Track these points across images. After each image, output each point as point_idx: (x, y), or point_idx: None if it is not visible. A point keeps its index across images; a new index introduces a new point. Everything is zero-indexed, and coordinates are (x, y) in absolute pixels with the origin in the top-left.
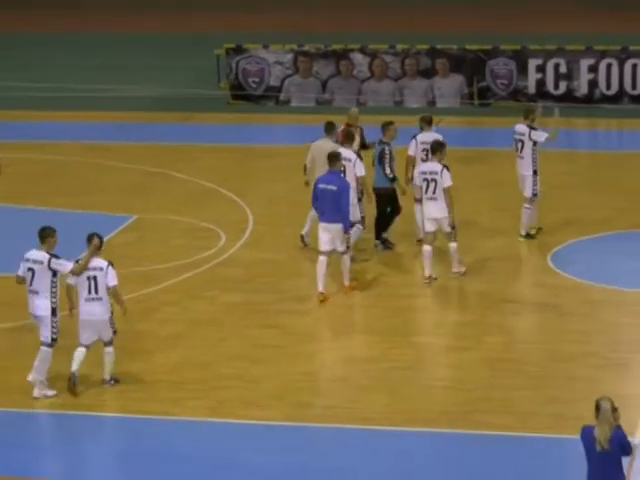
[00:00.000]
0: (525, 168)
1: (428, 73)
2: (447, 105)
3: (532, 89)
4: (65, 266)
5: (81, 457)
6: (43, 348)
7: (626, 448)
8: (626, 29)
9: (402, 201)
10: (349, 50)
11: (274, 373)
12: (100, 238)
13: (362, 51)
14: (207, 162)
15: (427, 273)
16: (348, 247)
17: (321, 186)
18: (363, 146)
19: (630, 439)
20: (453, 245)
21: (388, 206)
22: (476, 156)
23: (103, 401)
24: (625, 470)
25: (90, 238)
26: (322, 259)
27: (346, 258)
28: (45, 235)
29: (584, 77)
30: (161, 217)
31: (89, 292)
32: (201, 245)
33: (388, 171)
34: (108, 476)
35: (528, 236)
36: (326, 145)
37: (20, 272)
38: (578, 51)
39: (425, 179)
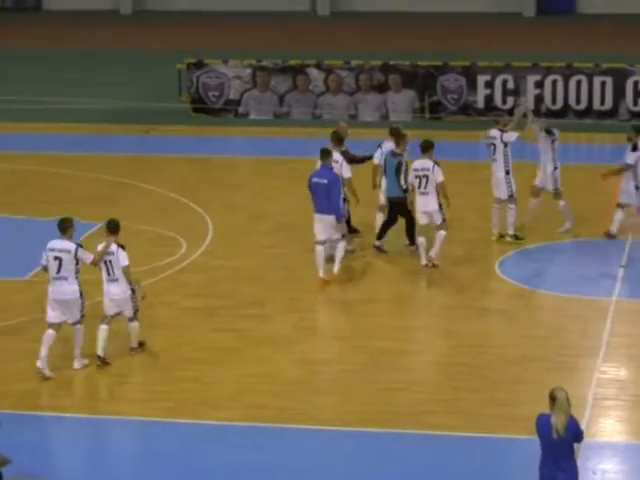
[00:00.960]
0: (498, 169)
1: (381, 88)
2: (400, 119)
3: (481, 104)
4: (88, 258)
5: (42, 457)
6: (77, 327)
7: (579, 435)
8: (571, 47)
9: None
10: (305, 65)
11: (231, 375)
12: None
13: (318, 66)
14: (170, 172)
15: (423, 262)
16: (343, 235)
17: (314, 180)
18: (353, 160)
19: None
20: (442, 233)
21: (400, 215)
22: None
23: (66, 402)
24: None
25: (112, 226)
26: (319, 248)
27: (340, 246)
28: (66, 226)
29: (531, 92)
30: (125, 225)
31: (108, 274)
32: (163, 252)
33: (403, 182)
34: (73, 475)
35: (515, 237)
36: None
37: (43, 261)
38: (525, 68)
39: (417, 176)
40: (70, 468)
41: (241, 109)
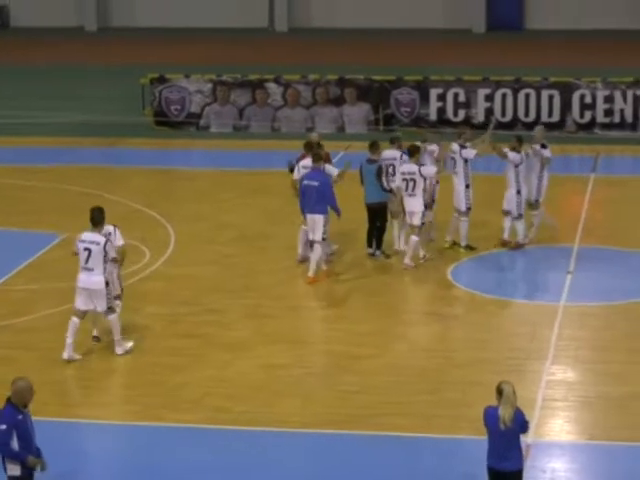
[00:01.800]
0: (458, 182)
1: (337, 101)
2: (355, 131)
3: (433, 116)
4: (113, 252)
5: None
6: (108, 318)
7: (524, 426)
8: (519, 62)
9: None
10: (264, 80)
11: (194, 380)
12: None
13: (276, 81)
14: (133, 184)
15: (421, 254)
16: (324, 238)
17: (305, 182)
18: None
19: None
20: (414, 238)
21: (379, 220)
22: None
23: (32, 406)
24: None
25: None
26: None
27: (317, 247)
28: (98, 220)
29: (481, 105)
30: None
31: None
32: (127, 261)
33: (385, 184)
34: (37, 477)
35: (468, 247)
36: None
37: (76, 250)
38: (475, 82)
39: (405, 179)
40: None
41: (202, 122)
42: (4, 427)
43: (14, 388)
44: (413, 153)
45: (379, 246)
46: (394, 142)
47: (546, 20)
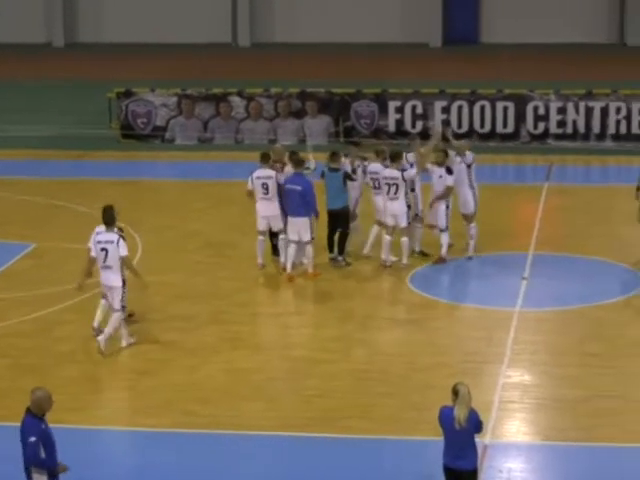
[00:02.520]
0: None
1: (299, 114)
2: (316, 143)
3: (392, 128)
4: (123, 252)
5: None
6: (116, 314)
7: (478, 426)
8: (475, 75)
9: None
10: (228, 93)
11: (162, 384)
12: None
13: (239, 94)
14: (101, 195)
15: (383, 256)
16: (312, 238)
17: (288, 186)
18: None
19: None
20: (405, 240)
21: (341, 225)
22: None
23: (3, 412)
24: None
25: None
26: (292, 246)
27: (309, 247)
28: (112, 220)
29: (438, 117)
30: (60, 245)
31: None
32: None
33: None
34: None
35: (422, 253)
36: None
37: (93, 253)
38: (432, 94)
39: (387, 183)
40: (7, 477)
41: (168, 135)
42: (34, 439)
43: (33, 398)
44: (395, 159)
45: (341, 252)
46: (379, 155)
47: (500, 34)
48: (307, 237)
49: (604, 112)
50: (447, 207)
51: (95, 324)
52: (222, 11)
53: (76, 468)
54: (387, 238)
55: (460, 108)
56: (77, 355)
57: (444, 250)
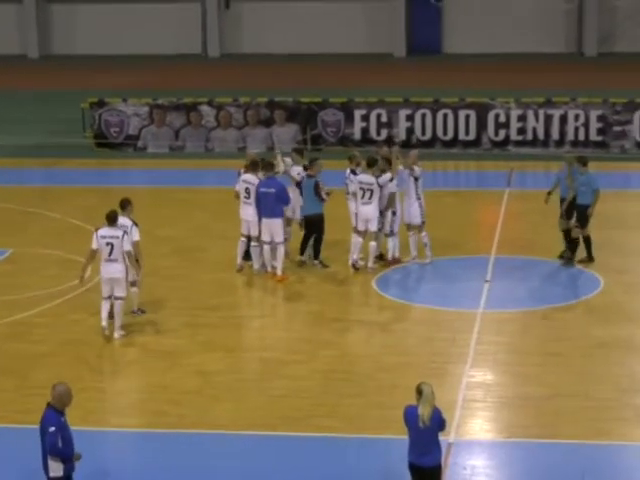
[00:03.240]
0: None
1: (267, 122)
2: (284, 150)
3: (358, 135)
4: (127, 245)
5: None
6: (118, 302)
7: (442, 424)
8: (438, 84)
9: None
10: (198, 103)
11: (135, 386)
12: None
13: (209, 104)
14: (75, 202)
15: (354, 256)
16: (285, 239)
17: (262, 190)
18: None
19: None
20: (373, 244)
21: (316, 231)
22: None
23: None
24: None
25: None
26: (267, 247)
27: (281, 248)
28: (114, 217)
29: (402, 125)
30: (35, 251)
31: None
32: (70, 275)
33: (324, 196)
34: None
35: (380, 257)
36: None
37: (94, 246)
38: (397, 103)
39: (362, 188)
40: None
41: (140, 143)
42: (53, 429)
43: (54, 393)
44: (371, 164)
45: (316, 256)
46: (352, 161)
47: (462, 45)
48: (280, 238)
49: (563, 119)
50: (394, 213)
51: (104, 323)
52: (192, 23)
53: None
54: (358, 239)
55: (424, 116)
56: (52, 358)
57: (390, 254)
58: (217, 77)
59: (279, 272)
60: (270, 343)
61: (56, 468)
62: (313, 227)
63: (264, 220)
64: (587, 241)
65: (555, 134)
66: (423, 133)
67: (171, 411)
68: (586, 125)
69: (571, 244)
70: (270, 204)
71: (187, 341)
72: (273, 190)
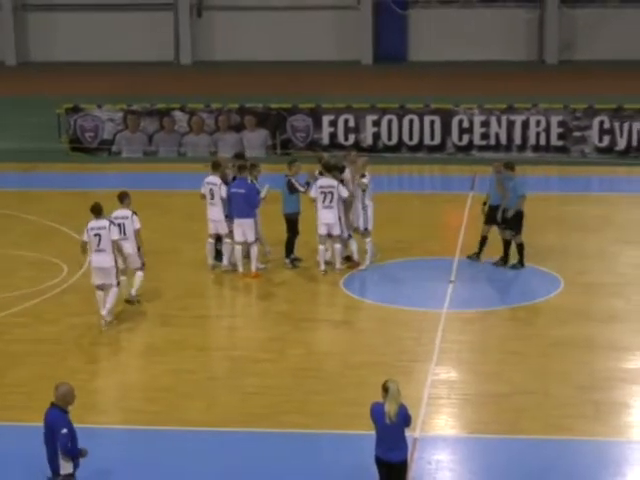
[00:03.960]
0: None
1: (238, 128)
2: (255, 154)
3: (326, 140)
4: (114, 235)
5: None
6: (113, 289)
7: (407, 420)
8: (403, 90)
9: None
10: (171, 109)
11: (111, 384)
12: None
13: (182, 110)
14: (51, 205)
15: (322, 267)
16: (257, 239)
17: (233, 190)
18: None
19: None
20: (338, 246)
21: (288, 230)
22: (277, 197)
23: None
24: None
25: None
26: (237, 247)
27: (254, 248)
28: (99, 209)
29: (369, 130)
30: (11, 252)
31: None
32: (46, 275)
33: (301, 188)
34: None
35: (347, 259)
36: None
37: (85, 238)
38: (364, 109)
39: (323, 192)
40: None
41: (114, 148)
42: (65, 431)
43: (58, 393)
44: (331, 169)
45: (287, 254)
46: (330, 169)
47: (427, 53)
48: (252, 238)
49: (525, 125)
50: (347, 218)
51: (103, 312)
52: (165, 31)
53: (29, 464)
54: (321, 247)
55: (390, 122)
56: (30, 357)
57: (338, 259)
58: (189, 84)
59: (253, 269)
60: (240, 342)
61: (67, 466)
62: (289, 225)
63: (236, 220)
64: (507, 245)
65: (517, 139)
66: (389, 138)
67: (145, 409)
68: (547, 130)
69: (509, 249)
70: (240, 204)
71: (160, 340)
72: (243, 191)
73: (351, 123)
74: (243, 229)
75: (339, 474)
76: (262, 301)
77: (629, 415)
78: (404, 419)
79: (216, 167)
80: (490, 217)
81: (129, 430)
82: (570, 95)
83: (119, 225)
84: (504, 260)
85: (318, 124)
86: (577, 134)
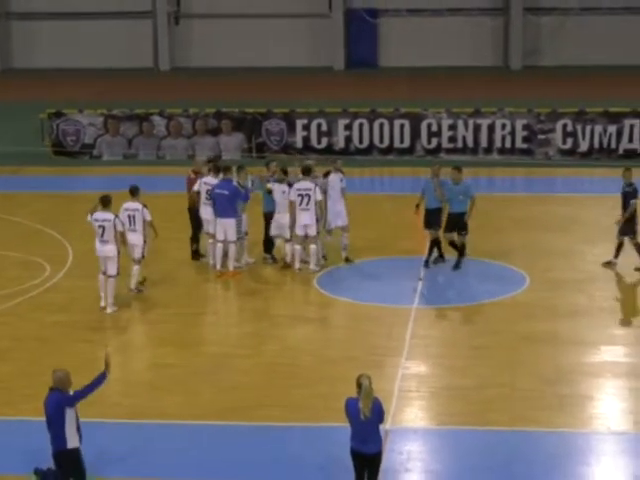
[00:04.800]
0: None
1: (215, 131)
2: (231, 157)
3: (300, 144)
4: (119, 227)
5: None
6: (111, 279)
7: (382, 416)
8: (374, 95)
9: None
10: (150, 114)
11: (90, 379)
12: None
13: (161, 114)
14: (34, 207)
15: (297, 265)
16: (239, 238)
17: (217, 191)
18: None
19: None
20: (313, 247)
21: (269, 227)
22: (258, 198)
23: None
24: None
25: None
26: (219, 245)
27: (232, 246)
28: (108, 201)
29: (341, 134)
30: None
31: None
32: (30, 275)
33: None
34: None
35: (347, 260)
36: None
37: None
38: (336, 113)
39: (300, 194)
40: None
41: (95, 152)
42: (72, 392)
43: (55, 378)
44: (308, 172)
45: (268, 250)
46: (308, 173)
47: (397, 59)
48: (233, 237)
49: (491, 128)
50: (317, 220)
51: (106, 301)
52: (144, 38)
53: (10, 457)
54: (297, 247)
55: (361, 125)
56: (11, 353)
57: (313, 259)
58: (168, 89)
59: (231, 268)
60: (218, 338)
61: (74, 439)
62: (267, 223)
63: (219, 220)
64: (461, 247)
65: (484, 142)
66: (360, 141)
67: (124, 402)
68: (512, 133)
69: (461, 249)
70: (224, 205)
71: (140, 336)
72: (226, 192)
73: (324, 127)
74: (225, 228)
75: (314, 465)
76: (239, 299)
77: (593, 407)
78: (378, 414)
79: (217, 170)
80: (428, 221)
81: (107, 423)
82: (534, 99)
83: (129, 217)
84: (442, 257)
85: (292, 128)
86: (541, 137)
